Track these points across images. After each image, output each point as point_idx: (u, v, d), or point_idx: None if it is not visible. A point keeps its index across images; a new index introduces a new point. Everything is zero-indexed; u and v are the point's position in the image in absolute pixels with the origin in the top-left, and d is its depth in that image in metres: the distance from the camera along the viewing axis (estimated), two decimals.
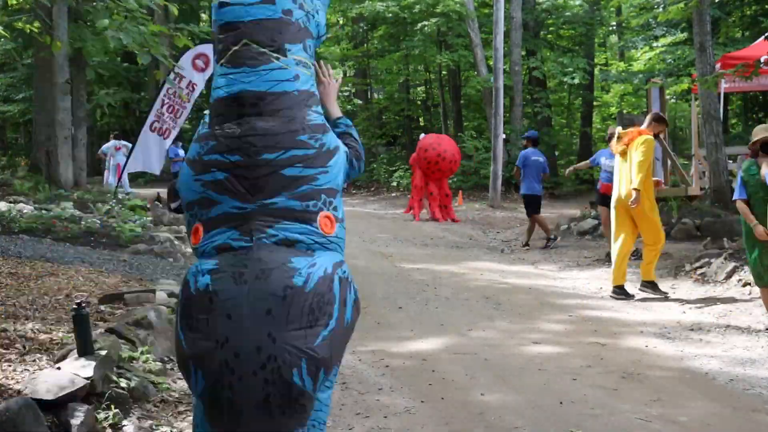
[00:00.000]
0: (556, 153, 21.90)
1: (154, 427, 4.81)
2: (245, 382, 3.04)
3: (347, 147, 3.42)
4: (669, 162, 14.09)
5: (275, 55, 3.18)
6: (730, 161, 13.99)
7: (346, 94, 24.76)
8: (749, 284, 8.57)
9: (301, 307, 3.02)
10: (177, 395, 5.63)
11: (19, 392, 4.58)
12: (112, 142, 18.81)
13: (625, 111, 18.67)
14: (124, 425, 4.73)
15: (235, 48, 3.18)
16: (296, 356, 3.01)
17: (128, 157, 12.63)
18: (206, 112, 3.68)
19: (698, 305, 8.61)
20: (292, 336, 3.01)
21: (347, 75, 25.97)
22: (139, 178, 23.09)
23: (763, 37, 14.14)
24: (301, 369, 3.02)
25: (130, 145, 16.53)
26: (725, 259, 9.31)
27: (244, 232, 3.15)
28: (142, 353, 5.68)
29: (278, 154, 3.12)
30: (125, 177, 16.59)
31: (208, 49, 10.26)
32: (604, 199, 11.11)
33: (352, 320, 3.23)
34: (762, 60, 11.12)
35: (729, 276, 9.01)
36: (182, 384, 5.85)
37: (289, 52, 3.22)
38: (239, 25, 3.19)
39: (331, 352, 3.12)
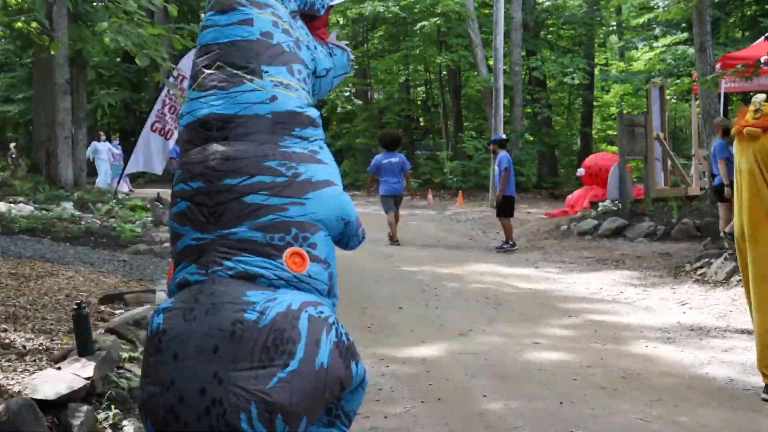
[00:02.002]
0: (556, 153, 22.12)
1: None
2: (190, 429, 2.75)
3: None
4: (669, 162, 14.27)
5: (249, 76, 3.02)
6: (731, 163, 14.18)
7: (347, 94, 24.50)
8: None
9: (253, 344, 2.72)
10: None
11: (19, 392, 4.58)
12: (99, 144, 19.54)
13: (625, 111, 18.76)
14: (124, 425, 4.64)
15: (208, 71, 3.05)
16: (244, 399, 2.67)
17: (128, 157, 12.80)
18: None
19: (698, 306, 8.66)
20: (240, 377, 2.70)
21: (345, 79, 26.04)
22: (139, 178, 23.05)
23: (763, 37, 14.20)
24: (250, 414, 2.68)
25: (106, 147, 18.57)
26: (725, 259, 9.33)
27: (200, 265, 2.91)
28: (142, 353, 5.73)
29: (241, 180, 2.89)
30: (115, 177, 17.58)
31: None
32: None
33: (330, 365, 2.82)
34: (762, 60, 11.06)
35: (729, 276, 9.00)
36: None
37: (266, 73, 3.04)
38: (214, 47, 3.07)
39: (293, 398, 2.74)
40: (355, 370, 2.97)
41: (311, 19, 3.49)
